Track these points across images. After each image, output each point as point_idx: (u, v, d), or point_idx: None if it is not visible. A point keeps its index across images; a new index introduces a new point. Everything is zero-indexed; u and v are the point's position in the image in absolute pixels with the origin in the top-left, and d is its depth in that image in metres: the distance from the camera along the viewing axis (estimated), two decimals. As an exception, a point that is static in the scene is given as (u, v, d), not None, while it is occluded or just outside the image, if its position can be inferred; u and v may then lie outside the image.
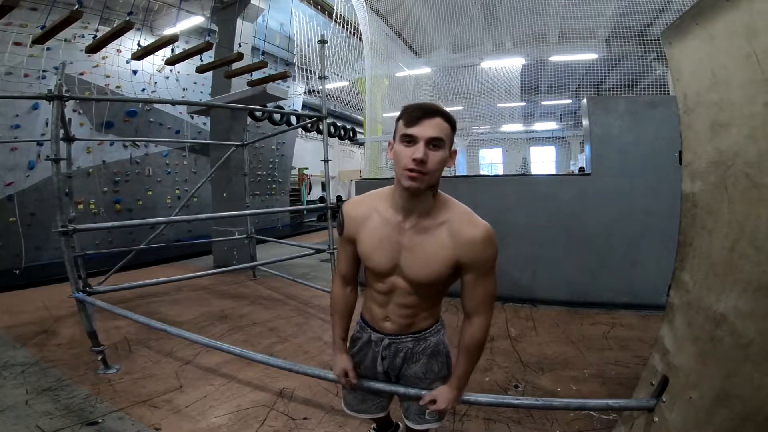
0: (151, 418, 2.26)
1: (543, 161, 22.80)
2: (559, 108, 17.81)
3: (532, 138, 20.90)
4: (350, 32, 8.47)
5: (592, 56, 10.34)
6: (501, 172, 21.82)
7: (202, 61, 5.46)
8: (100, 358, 2.89)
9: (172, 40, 4.33)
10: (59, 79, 2.55)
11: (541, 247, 4.17)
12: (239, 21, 6.81)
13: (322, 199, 16.86)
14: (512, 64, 10.99)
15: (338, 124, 14.34)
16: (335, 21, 7.95)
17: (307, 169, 15.92)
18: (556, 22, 9.43)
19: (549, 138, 21.03)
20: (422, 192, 1.10)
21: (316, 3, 9.14)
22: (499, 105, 14.16)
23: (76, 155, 7.59)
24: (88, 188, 7.85)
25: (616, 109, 3.86)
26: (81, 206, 7.69)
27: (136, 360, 3.09)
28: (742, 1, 0.87)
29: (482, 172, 21.87)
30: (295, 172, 14.86)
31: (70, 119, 4.97)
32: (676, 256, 1.09)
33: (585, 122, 4.11)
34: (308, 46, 8.32)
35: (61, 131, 3.52)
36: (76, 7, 3.43)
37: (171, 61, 4.99)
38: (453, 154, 1.12)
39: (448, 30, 9.96)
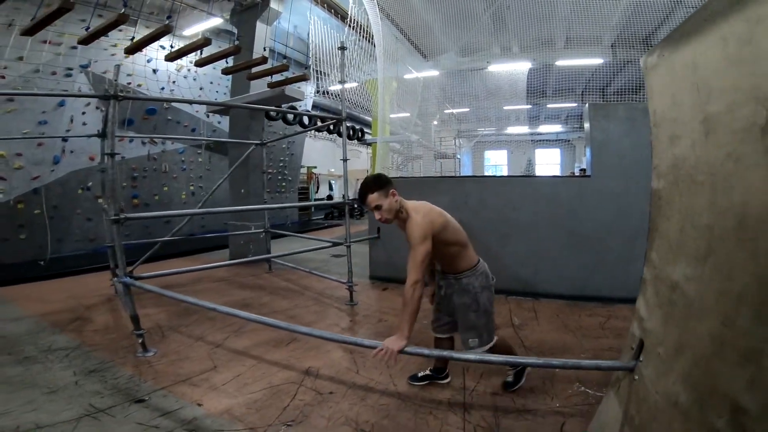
0: (192, 395, 2.47)
1: (548, 163, 22.98)
2: (564, 111, 18.04)
3: (538, 140, 21.10)
4: (361, 35, 8.74)
5: (597, 61, 10.56)
6: (506, 174, 22.01)
7: (227, 63, 5.73)
8: (140, 341, 3.09)
9: (205, 43, 4.60)
10: (114, 80, 2.81)
11: (543, 244, 4.42)
12: (258, 24, 7.06)
13: (329, 198, 17.15)
14: (519, 67, 11.21)
15: (347, 124, 14.61)
16: (349, 25, 8.22)
17: (315, 167, 16.22)
18: (563, 28, 9.66)
19: (554, 140, 21.25)
20: (393, 219, 2.12)
21: (329, 6, 9.43)
22: (505, 107, 14.38)
23: (95, 150, 7.94)
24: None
25: (615, 115, 4.11)
26: (101, 200, 8.00)
27: (170, 344, 3.31)
28: (691, 40, 1.14)
29: (486, 174, 22.07)
30: (303, 170, 15.15)
31: (105, 115, 5.24)
32: (647, 239, 1.36)
33: (586, 126, 4.36)
34: (320, 48, 8.61)
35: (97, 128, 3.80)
36: (123, 10, 3.71)
37: (200, 63, 5.26)
38: (391, 195, 2.07)
39: (457, 34, 10.20)
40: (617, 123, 4.10)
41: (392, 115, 11.83)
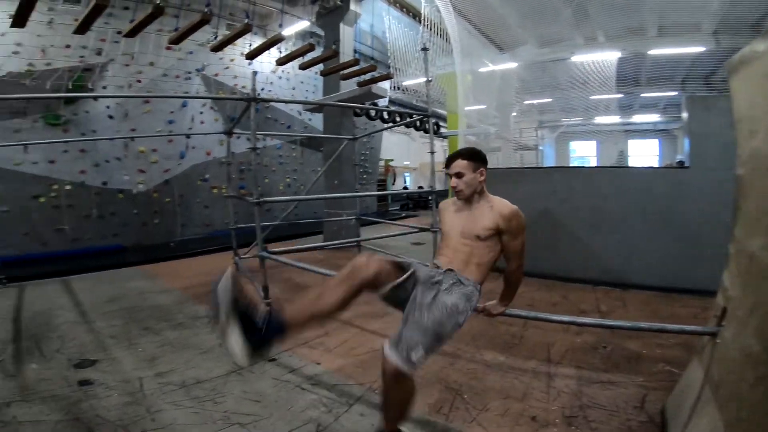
0: (311, 356, 2.94)
1: (643, 155, 20.96)
2: (662, 100, 16.41)
3: (631, 130, 19.45)
4: (434, 32, 8.92)
5: (697, 49, 9.57)
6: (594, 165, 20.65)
7: (323, 66, 6.35)
8: (268, 309, 3.72)
9: (310, 48, 5.18)
10: (253, 87, 3.43)
11: (634, 235, 4.40)
12: (342, 26, 7.57)
13: (404, 189, 17.70)
14: (606, 57, 10.57)
15: (432, 120, 14.89)
16: (423, 23, 8.47)
17: (392, 160, 16.76)
18: (655, 16, 8.94)
19: (651, 130, 19.42)
20: (468, 196, 2.00)
21: (402, 6, 9.78)
22: (592, 97, 13.59)
23: (211, 146, 9.13)
24: (222, 175, 9.28)
25: (716, 107, 3.96)
26: (216, 190, 9.20)
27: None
28: (755, 60, 1.31)
29: (572, 164, 20.92)
30: (381, 163, 15.72)
31: (235, 117, 5.97)
32: (733, 218, 1.54)
33: (684, 116, 4.26)
34: (395, 46, 8.96)
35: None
36: (246, 21, 4.38)
37: (304, 66, 5.88)
38: (479, 173, 1.98)
39: (535, 26, 9.89)
40: (719, 115, 3.93)
41: (467, 108, 11.81)
